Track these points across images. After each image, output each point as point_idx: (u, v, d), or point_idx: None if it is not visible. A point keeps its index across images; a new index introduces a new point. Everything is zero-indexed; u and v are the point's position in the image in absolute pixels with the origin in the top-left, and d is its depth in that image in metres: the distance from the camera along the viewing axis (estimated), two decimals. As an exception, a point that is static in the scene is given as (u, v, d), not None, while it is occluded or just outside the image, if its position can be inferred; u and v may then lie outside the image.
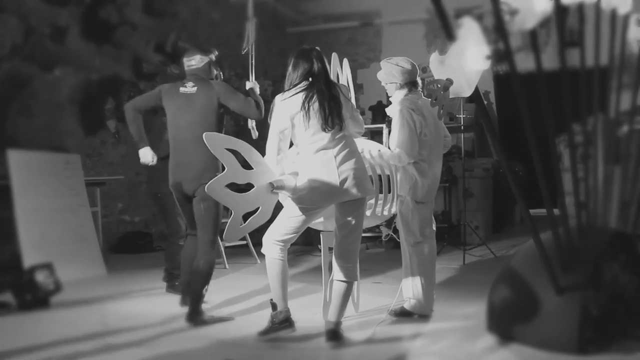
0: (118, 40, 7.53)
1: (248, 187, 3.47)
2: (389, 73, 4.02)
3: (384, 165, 4.03)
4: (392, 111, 4.01)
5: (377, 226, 4.43)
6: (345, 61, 4.20)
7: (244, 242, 6.37)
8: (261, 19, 11.01)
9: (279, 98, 3.53)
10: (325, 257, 3.98)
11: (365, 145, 4.07)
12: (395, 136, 3.91)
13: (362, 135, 3.94)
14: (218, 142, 3.39)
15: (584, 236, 3.53)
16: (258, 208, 3.49)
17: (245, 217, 3.48)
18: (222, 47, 9.53)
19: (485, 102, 10.03)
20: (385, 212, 4.09)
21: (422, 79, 4.08)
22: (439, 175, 4.10)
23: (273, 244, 3.54)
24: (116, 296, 4.95)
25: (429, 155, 3.96)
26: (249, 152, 3.47)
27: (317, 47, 3.63)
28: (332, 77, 3.86)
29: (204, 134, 3.38)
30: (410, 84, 4.01)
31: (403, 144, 3.87)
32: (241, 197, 3.43)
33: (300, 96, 3.44)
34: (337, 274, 3.53)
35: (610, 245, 3.55)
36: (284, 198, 3.65)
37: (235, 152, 3.43)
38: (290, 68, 3.55)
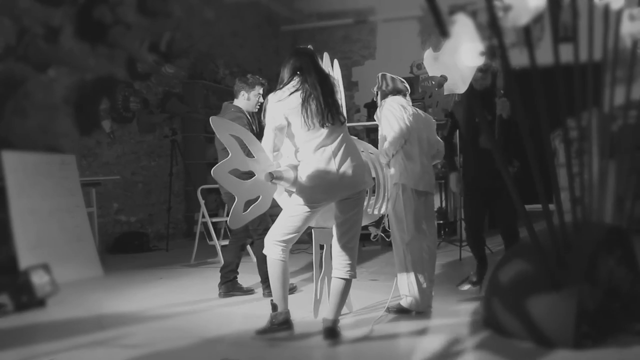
0: (112, 40, 7.51)
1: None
2: (389, 80, 4.19)
3: (376, 166, 4.08)
4: (378, 116, 4.14)
5: (367, 226, 4.47)
6: (336, 61, 4.22)
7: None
8: (255, 18, 11.05)
9: (273, 98, 3.51)
10: (317, 255, 3.98)
11: (357, 146, 4.11)
12: (384, 126, 4.02)
13: (355, 135, 4.00)
14: (224, 127, 3.44)
15: (579, 231, 3.54)
16: (259, 197, 3.51)
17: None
18: (216, 46, 9.56)
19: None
20: (376, 212, 4.11)
21: (417, 76, 4.13)
22: (431, 170, 4.13)
23: (274, 244, 3.54)
24: (113, 296, 4.94)
25: (415, 144, 4.02)
26: (252, 142, 3.50)
27: (309, 46, 3.67)
28: None
29: (211, 117, 3.44)
30: (398, 91, 4.15)
31: (392, 127, 3.97)
32: (245, 184, 3.47)
33: (297, 96, 3.44)
34: (336, 271, 3.54)
35: (605, 240, 3.56)
36: (279, 194, 3.66)
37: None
38: (281, 68, 3.59)
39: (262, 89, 4.80)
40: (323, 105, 3.42)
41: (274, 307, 3.55)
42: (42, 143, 6.49)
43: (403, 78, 4.28)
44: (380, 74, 4.23)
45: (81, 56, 7.11)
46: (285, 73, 3.53)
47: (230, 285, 4.78)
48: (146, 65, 8.10)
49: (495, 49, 2.68)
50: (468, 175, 4.55)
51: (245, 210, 3.46)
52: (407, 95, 4.22)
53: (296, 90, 3.45)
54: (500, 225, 4.62)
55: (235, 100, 4.87)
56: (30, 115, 6.49)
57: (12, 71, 6.33)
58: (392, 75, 4.23)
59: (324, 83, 3.49)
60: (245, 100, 4.82)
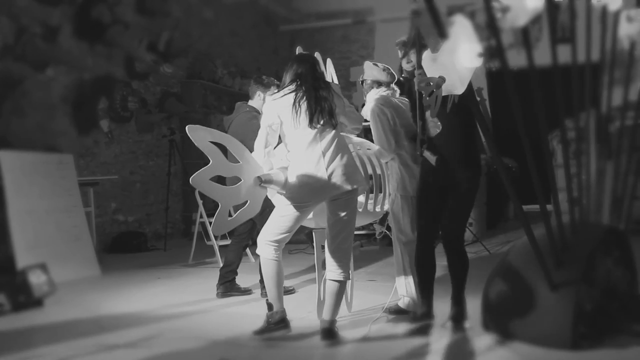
0: (110, 40, 7.50)
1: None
2: (370, 68, 4.08)
3: (375, 163, 4.07)
4: (366, 112, 4.08)
5: (371, 224, 4.45)
6: (329, 60, 4.23)
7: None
8: (253, 18, 11.04)
9: (269, 98, 3.66)
10: (318, 255, 3.98)
11: (355, 143, 4.11)
12: (373, 134, 3.98)
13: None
14: (201, 135, 3.39)
15: (577, 232, 3.54)
16: (247, 202, 3.51)
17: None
18: (214, 45, 9.55)
19: (478, 99, 10.04)
20: (378, 209, 4.11)
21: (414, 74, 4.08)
22: None
23: (267, 244, 3.55)
24: (110, 296, 4.94)
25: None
26: (236, 146, 3.50)
27: (301, 51, 3.72)
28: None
29: (187, 126, 3.39)
30: (380, 84, 4.05)
31: (380, 140, 3.93)
32: (228, 189, 3.46)
33: (291, 97, 3.52)
34: (330, 273, 3.54)
35: (603, 241, 3.56)
36: (273, 194, 3.67)
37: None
38: (284, 73, 3.65)
39: (277, 90, 4.82)
40: (313, 108, 3.48)
41: (270, 306, 3.56)
42: (40, 142, 6.48)
43: (402, 78, 4.20)
44: (364, 63, 4.17)
45: (79, 55, 7.10)
46: (287, 77, 3.61)
47: (228, 286, 4.79)
48: (144, 65, 8.10)
49: (493, 49, 2.68)
50: (423, 169, 3.72)
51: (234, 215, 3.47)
52: (391, 85, 4.06)
53: (291, 92, 3.53)
54: (443, 230, 3.71)
55: (250, 100, 4.89)
56: (28, 115, 6.48)
57: (10, 70, 6.32)
58: (373, 64, 4.10)
59: (319, 88, 3.54)
60: (260, 100, 4.82)
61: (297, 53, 3.96)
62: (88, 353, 3.45)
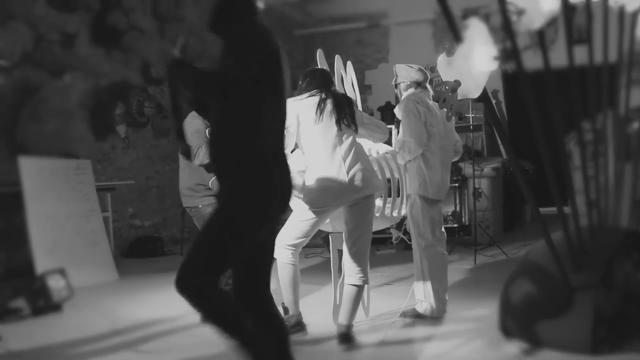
0: (126, 46, 7.57)
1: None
2: (404, 70, 4.08)
3: (392, 167, 4.06)
4: (398, 110, 4.05)
5: (388, 228, 4.44)
6: (349, 63, 4.22)
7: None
8: (268, 22, 10.97)
9: (289, 99, 3.62)
10: (335, 260, 3.98)
11: (373, 147, 4.12)
12: (403, 128, 3.95)
13: None
14: None
15: (595, 235, 3.51)
16: None
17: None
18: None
19: (494, 102, 9.99)
20: (395, 214, 4.09)
21: (431, 79, 4.08)
22: (448, 178, 4.10)
23: (284, 248, 3.55)
24: (128, 301, 4.97)
25: (437, 152, 3.96)
26: None
27: (322, 55, 3.72)
28: (337, 79, 3.98)
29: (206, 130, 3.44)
30: (418, 84, 4.06)
31: (412, 133, 3.89)
32: None
33: (316, 97, 3.53)
34: (348, 277, 3.53)
35: (622, 244, 3.52)
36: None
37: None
38: (300, 82, 3.65)
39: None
40: (340, 107, 3.51)
41: (286, 310, 3.57)
42: (58, 148, 6.54)
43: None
44: (395, 66, 4.19)
45: (96, 62, 7.16)
46: (313, 83, 3.60)
47: None
48: (160, 70, 8.15)
49: (509, 52, 2.66)
50: (255, 191, 2.39)
51: None
52: (427, 84, 4.08)
53: (312, 96, 3.55)
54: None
55: None
56: (46, 121, 6.55)
57: (28, 77, 6.40)
58: (407, 65, 4.12)
59: (342, 94, 3.62)
60: None
61: (318, 57, 3.97)
62: (105, 357, 3.47)
